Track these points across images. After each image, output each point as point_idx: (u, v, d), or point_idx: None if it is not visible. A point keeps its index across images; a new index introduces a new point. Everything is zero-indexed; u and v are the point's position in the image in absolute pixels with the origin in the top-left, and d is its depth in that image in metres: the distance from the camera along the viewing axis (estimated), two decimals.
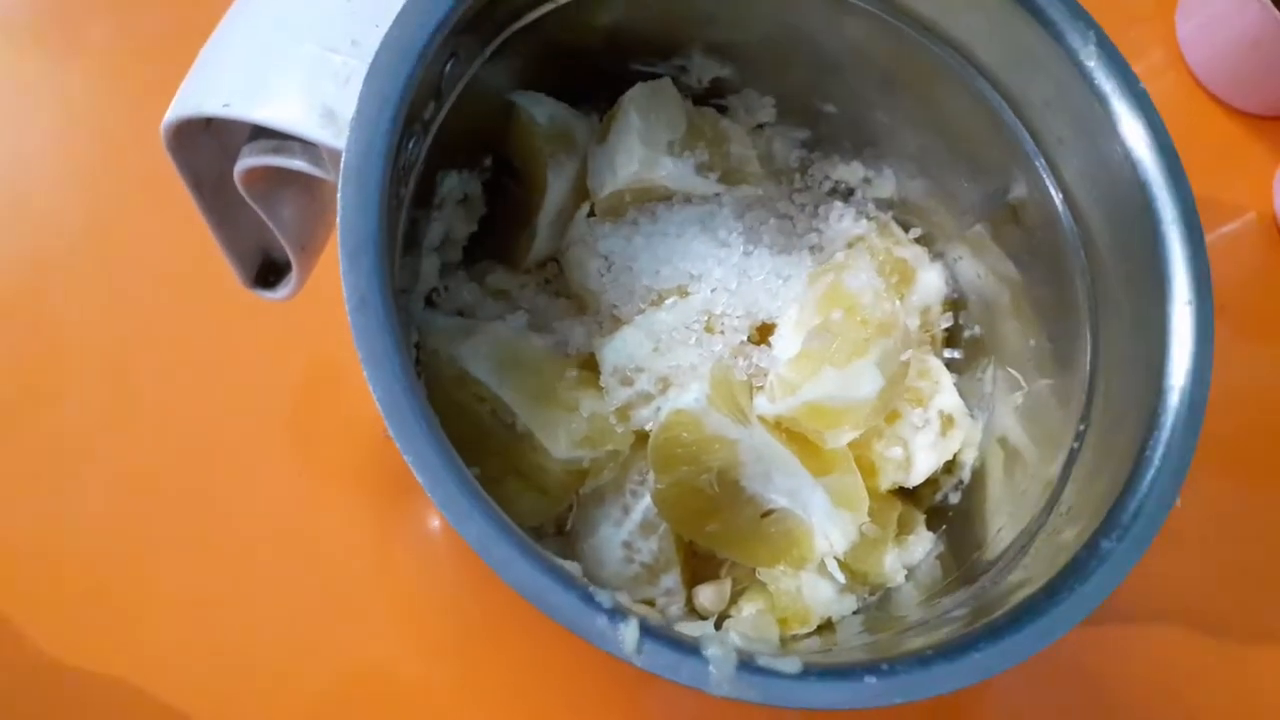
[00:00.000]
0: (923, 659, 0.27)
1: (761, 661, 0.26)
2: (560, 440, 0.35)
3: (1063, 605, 0.28)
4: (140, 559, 0.43)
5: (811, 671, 0.26)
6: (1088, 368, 0.34)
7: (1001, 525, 0.36)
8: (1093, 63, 0.33)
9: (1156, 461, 0.30)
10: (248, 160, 0.31)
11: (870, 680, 0.26)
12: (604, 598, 0.25)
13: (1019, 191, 0.37)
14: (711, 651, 0.25)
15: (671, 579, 0.37)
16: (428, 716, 0.43)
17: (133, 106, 0.51)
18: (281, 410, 0.47)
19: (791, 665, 0.26)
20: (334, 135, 0.28)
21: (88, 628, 0.42)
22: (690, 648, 0.26)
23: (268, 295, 0.39)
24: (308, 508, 0.45)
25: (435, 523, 0.47)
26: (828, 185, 0.45)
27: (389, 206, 0.27)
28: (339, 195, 0.27)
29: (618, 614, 0.25)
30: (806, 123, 0.43)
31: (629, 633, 0.25)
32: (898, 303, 0.39)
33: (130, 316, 0.48)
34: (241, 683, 0.42)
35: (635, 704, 0.44)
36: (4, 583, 0.42)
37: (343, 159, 0.27)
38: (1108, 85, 0.33)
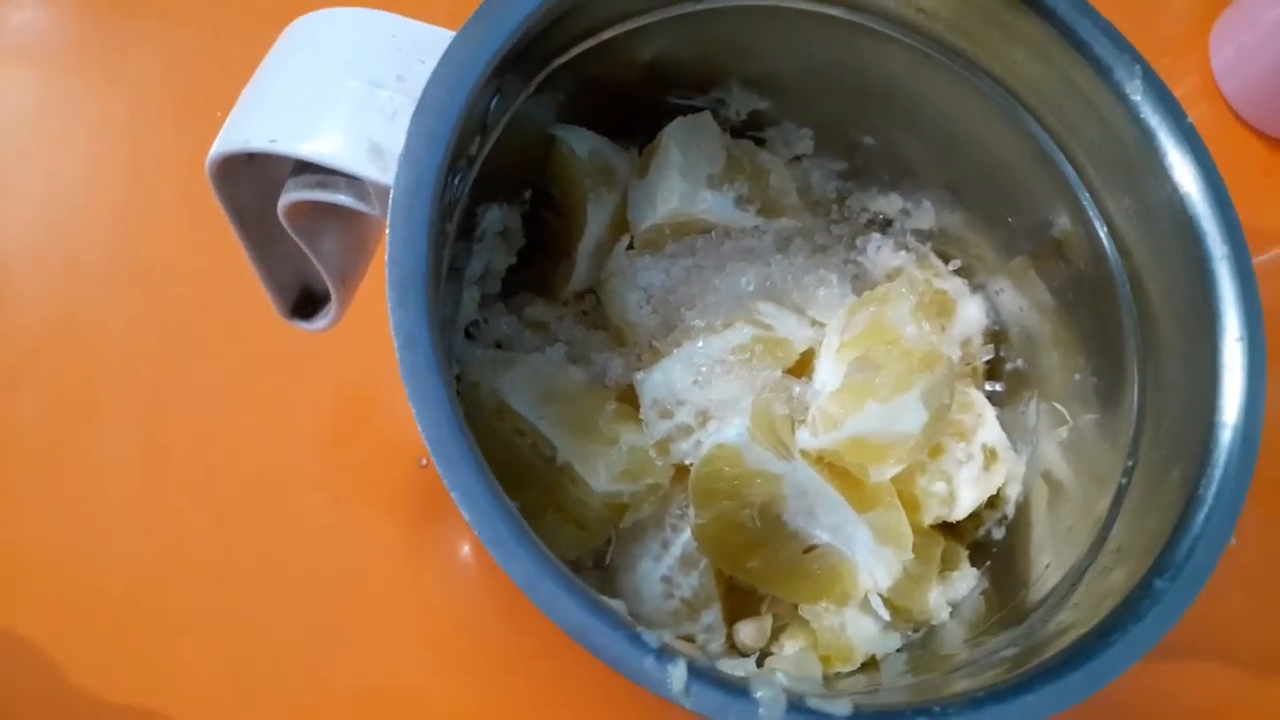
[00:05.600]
0: (975, 700, 0.26)
1: (811, 703, 0.25)
2: (600, 474, 0.35)
3: (1117, 646, 0.27)
4: (173, 587, 0.44)
5: (863, 713, 0.25)
6: (1135, 403, 0.34)
7: (1048, 562, 0.35)
8: (1139, 97, 0.33)
9: (1210, 500, 0.29)
10: (292, 195, 0.31)
11: None
12: (651, 638, 0.25)
13: (1063, 226, 0.37)
14: (761, 693, 0.25)
15: (712, 615, 0.36)
16: None
17: (169, 134, 0.51)
18: (314, 439, 0.47)
19: (842, 707, 0.25)
20: (380, 171, 0.28)
21: (121, 657, 0.42)
22: (739, 689, 0.25)
23: (306, 326, 0.39)
24: (340, 536, 0.45)
25: (465, 549, 0.47)
26: (865, 217, 0.44)
27: (435, 243, 0.27)
28: (388, 232, 0.27)
29: (665, 654, 0.25)
30: (844, 154, 0.43)
31: (677, 674, 0.25)
32: (939, 336, 0.38)
33: (164, 343, 0.48)
34: (274, 712, 0.42)
35: None
36: (38, 612, 0.42)
37: (391, 195, 0.27)
38: (1154, 120, 0.32)
